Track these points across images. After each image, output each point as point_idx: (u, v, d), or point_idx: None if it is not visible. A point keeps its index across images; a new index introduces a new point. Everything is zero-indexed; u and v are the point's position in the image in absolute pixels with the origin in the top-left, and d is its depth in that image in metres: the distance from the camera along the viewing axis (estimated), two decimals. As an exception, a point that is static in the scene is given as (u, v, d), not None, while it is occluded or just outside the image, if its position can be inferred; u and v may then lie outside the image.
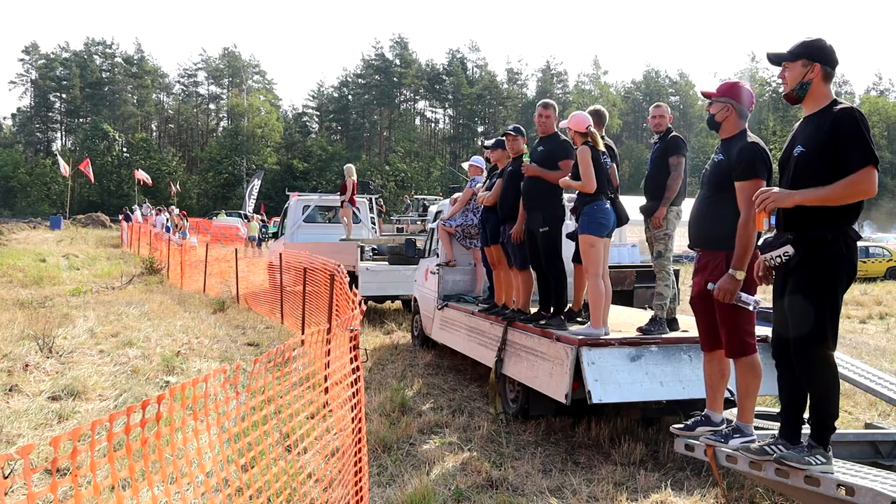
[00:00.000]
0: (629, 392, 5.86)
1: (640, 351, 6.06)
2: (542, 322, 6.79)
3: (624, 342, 6.10)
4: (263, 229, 32.82)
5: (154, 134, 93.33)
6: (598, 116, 7.07)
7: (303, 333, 10.26)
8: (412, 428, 6.77)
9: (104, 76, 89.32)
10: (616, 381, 5.84)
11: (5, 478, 1.59)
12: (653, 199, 6.66)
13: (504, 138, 7.98)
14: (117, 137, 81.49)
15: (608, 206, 6.49)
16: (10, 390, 7.67)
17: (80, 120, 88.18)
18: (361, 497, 4.06)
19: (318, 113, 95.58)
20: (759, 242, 4.41)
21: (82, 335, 10.94)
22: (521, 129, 7.94)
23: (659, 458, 6.06)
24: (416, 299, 11.27)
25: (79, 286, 17.39)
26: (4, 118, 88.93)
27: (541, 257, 7.02)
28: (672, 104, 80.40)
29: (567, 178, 6.56)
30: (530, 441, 6.52)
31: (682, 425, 5.06)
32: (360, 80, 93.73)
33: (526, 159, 7.16)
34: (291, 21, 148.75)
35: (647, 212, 6.69)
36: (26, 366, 8.73)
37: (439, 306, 9.63)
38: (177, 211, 38.50)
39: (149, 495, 2.51)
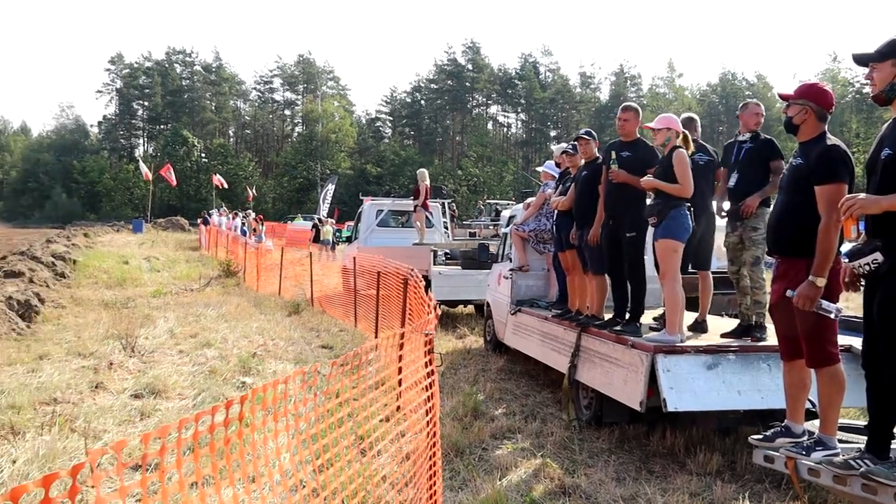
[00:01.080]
0: (705, 401, 5.74)
1: (716, 359, 5.93)
2: (618, 328, 6.71)
3: (700, 350, 5.98)
4: (337, 233, 33.20)
5: (231, 139, 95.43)
6: (690, 122, 6.96)
7: (376, 337, 10.40)
8: (484, 433, 6.76)
9: (184, 84, 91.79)
10: (692, 389, 5.73)
11: (91, 471, 1.64)
12: (733, 202, 6.50)
13: (577, 142, 7.92)
14: (196, 143, 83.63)
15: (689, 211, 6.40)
16: (96, 387, 7.94)
17: (161, 126, 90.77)
18: (435, 501, 4.07)
19: (392, 118, 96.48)
20: (846, 249, 4.27)
21: (163, 335, 11.26)
22: (593, 132, 7.88)
23: (736, 469, 5.91)
24: (488, 304, 11.26)
25: (159, 288, 17.87)
26: (91, 126, 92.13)
27: (623, 263, 6.93)
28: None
29: (651, 178, 6.41)
30: (604, 448, 6.44)
31: (761, 436, 4.93)
32: (432, 85, 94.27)
33: (613, 165, 7.07)
34: (365, 28, 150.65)
35: (734, 215, 6.50)
36: (110, 364, 9.02)
37: (512, 311, 9.60)
38: (253, 215, 39.19)
39: (229, 493, 2.56)
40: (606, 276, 7.32)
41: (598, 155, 7.63)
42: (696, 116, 7.45)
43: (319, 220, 39.15)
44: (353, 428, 3.33)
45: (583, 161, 7.80)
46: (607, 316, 7.22)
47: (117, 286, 18.15)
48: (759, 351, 6.10)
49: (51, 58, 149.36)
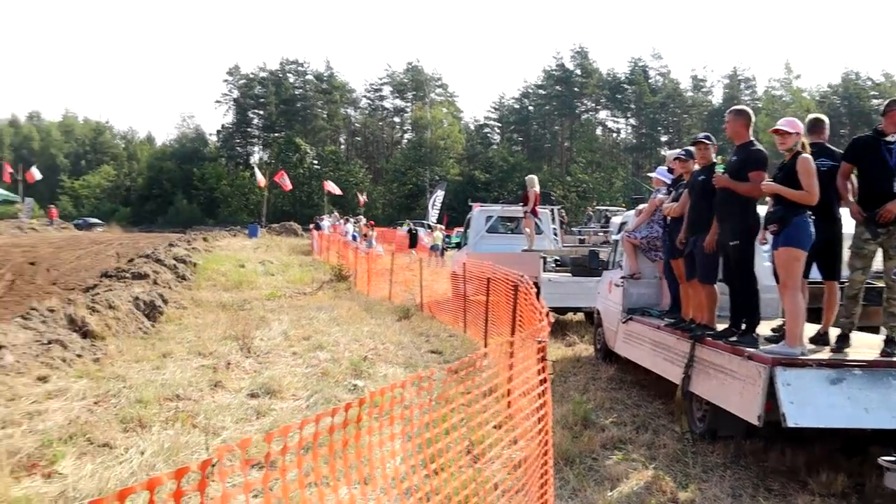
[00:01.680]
0: (829, 417, 5.48)
1: (841, 373, 5.65)
2: (733, 339, 6.51)
3: (823, 363, 5.73)
4: (446, 239, 33.44)
5: (342, 146, 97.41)
6: (818, 123, 6.71)
7: (485, 343, 10.42)
8: (595, 442, 6.67)
9: (297, 93, 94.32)
10: (814, 404, 5.48)
11: (212, 466, 1.71)
12: (875, 207, 6.14)
13: (692, 148, 7.73)
14: (308, 150, 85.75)
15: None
16: (215, 386, 8.24)
17: (276, 134, 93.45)
18: (546, 509, 4.05)
19: (500, 124, 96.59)
20: None
21: (277, 337, 11.58)
22: (712, 137, 7.66)
23: (864, 491, 5.62)
24: (598, 312, 11.12)
25: (274, 291, 18.38)
26: (210, 135, 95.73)
27: (731, 272, 6.73)
28: (873, 108, 75.02)
29: (771, 183, 6.19)
30: (718, 463, 6.26)
31: (892, 458, 4.69)
32: (540, 90, 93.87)
33: (719, 169, 6.88)
34: (472, 35, 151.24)
35: (870, 220, 6.15)
36: (228, 364, 9.35)
37: (623, 319, 9.45)
38: (364, 220, 39.86)
39: (345, 494, 2.61)
40: (717, 285, 7.13)
41: (715, 160, 7.42)
42: (824, 118, 7.09)
43: (428, 225, 39.47)
44: (466, 434, 3.35)
45: (696, 166, 7.61)
46: (720, 326, 7.02)
47: (234, 289, 18.76)
48: (890, 367, 5.78)
49: (174, 71, 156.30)
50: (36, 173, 64.13)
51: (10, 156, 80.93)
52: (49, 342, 9.50)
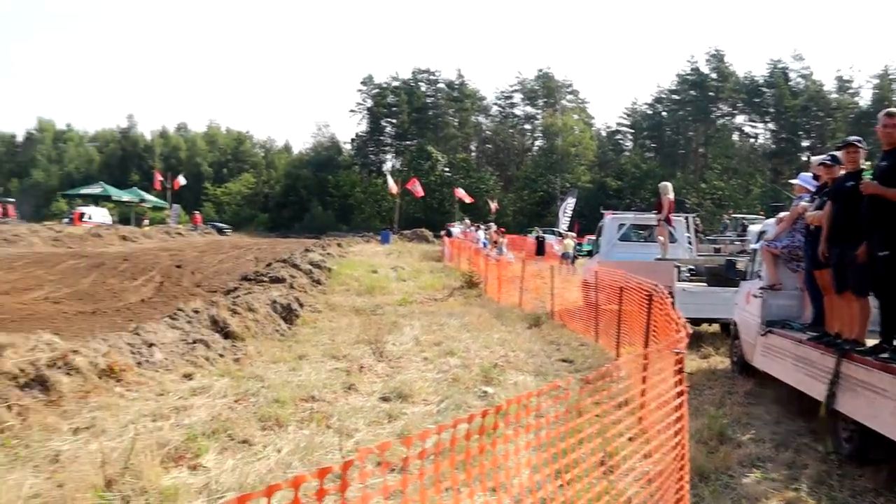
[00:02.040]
0: None
1: None
2: (885, 355, 6.13)
3: None
4: (577, 247, 33.10)
5: (473, 154, 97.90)
6: None
7: (617, 353, 10.25)
8: (731, 459, 6.44)
9: (429, 102, 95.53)
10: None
11: (344, 469, 1.75)
12: None
13: (839, 153, 7.35)
14: (440, 158, 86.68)
15: None
16: (349, 389, 8.44)
17: (408, 142, 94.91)
18: (681, 526, 3.94)
19: (632, 130, 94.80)
20: None
21: (408, 342, 11.75)
22: (862, 140, 7.25)
23: None
24: (736, 323, 10.74)
25: (405, 296, 18.66)
26: (344, 143, 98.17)
27: (883, 285, 6.34)
28: None
29: None
30: (868, 488, 5.90)
31: None
32: (674, 96, 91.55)
33: (867, 176, 6.51)
34: (604, 40, 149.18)
35: None
36: (361, 367, 9.55)
37: (762, 332, 9.09)
38: (494, 227, 39.93)
39: (480, 501, 2.61)
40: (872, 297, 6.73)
41: (863, 166, 7.03)
42: None
43: (559, 233, 39.21)
44: (599, 446, 3.29)
45: (843, 172, 7.22)
46: (870, 342, 6.62)
47: (367, 293, 19.16)
48: None
49: (310, 82, 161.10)
50: (182, 181, 67.69)
51: (160, 165, 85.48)
52: (194, 341, 9.98)
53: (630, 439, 3.72)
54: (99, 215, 54.88)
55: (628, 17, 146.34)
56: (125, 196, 66.10)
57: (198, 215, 67.41)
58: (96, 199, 61.14)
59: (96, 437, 6.14)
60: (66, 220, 52.83)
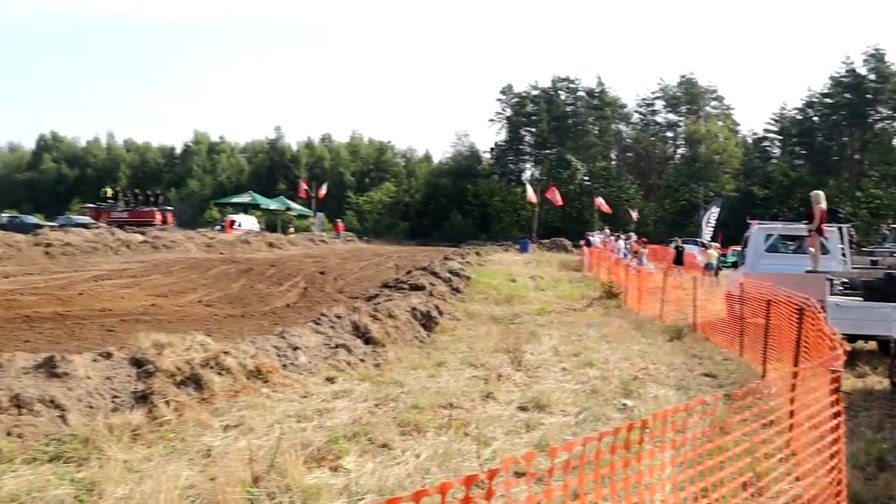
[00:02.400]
0: None
1: None
2: None
3: None
4: (721, 258, 32.07)
5: (613, 162, 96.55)
6: None
7: (763, 369, 9.83)
8: (893, 488, 6.02)
9: (568, 110, 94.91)
10: None
11: (489, 477, 1.75)
12: None
13: None
14: (579, 167, 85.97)
15: None
16: (487, 397, 8.46)
17: (547, 151, 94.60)
18: (835, 555, 3.72)
19: (780, 137, 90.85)
20: None
21: (547, 352, 11.68)
22: None
23: None
24: (895, 341, 10.11)
25: (544, 306, 18.56)
26: (484, 152, 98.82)
27: None
28: None
29: None
30: None
31: None
32: (826, 99, 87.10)
33: None
34: (751, 43, 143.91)
35: None
36: (499, 376, 9.56)
37: (926, 351, 8.52)
38: (634, 237, 39.26)
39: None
40: None
41: None
42: None
43: (702, 243, 38.16)
44: (749, 466, 3.16)
45: None
46: None
47: (505, 302, 19.18)
48: None
49: (450, 92, 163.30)
50: (325, 190, 69.93)
51: (306, 174, 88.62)
52: (336, 346, 10.27)
53: (780, 460, 3.55)
54: (248, 223, 57.35)
55: (777, 18, 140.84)
56: (272, 204, 68.88)
57: (340, 223, 69.40)
58: (246, 208, 63.94)
59: (244, 435, 6.41)
60: (218, 227, 55.49)
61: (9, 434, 5.88)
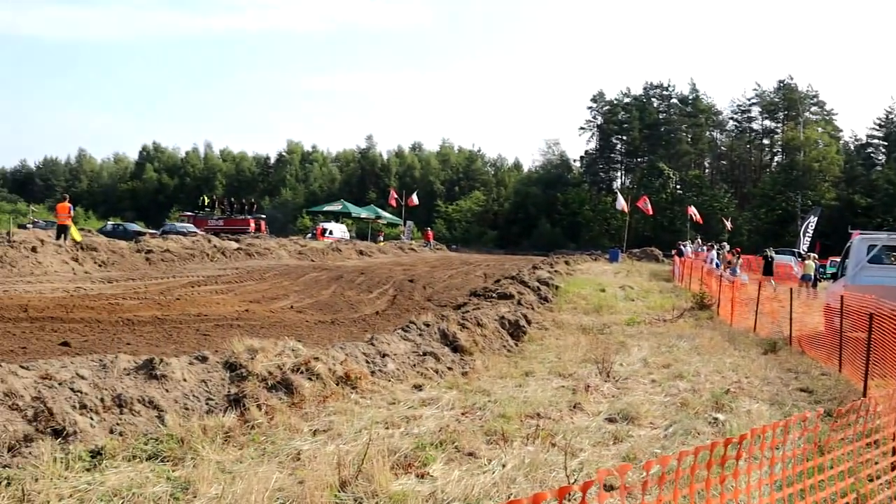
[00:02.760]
0: None
1: None
2: None
3: None
4: (820, 269, 31.04)
5: (706, 171, 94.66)
6: None
7: (865, 385, 9.43)
8: None
9: (660, 117, 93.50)
10: None
11: (583, 489, 1.72)
12: None
13: None
14: (671, 175, 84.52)
15: None
16: (574, 407, 8.36)
17: (638, 159, 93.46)
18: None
19: (886, 143, 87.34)
20: None
21: (636, 363, 11.49)
22: None
23: None
24: None
25: (633, 316, 18.28)
26: (574, 161, 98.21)
27: None
28: None
29: None
30: None
31: None
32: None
33: None
34: (854, 46, 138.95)
35: None
36: (587, 387, 9.43)
37: None
38: (727, 247, 38.37)
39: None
40: None
41: None
42: None
43: (799, 254, 37.08)
44: (851, 487, 3.02)
45: None
46: None
47: (594, 312, 18.96)
48: None
49: (540, 100, 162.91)
50: (416, 199, 70.59)
51: (396, 183, 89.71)
52: (424, 354, 10.32)
53: (887, 483, 3.38)
54: (339, 231, 58.36)
55: (881, 17, 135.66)
56: (363, 213, 69.92)
57: (430, 232, 69.92)
58: (337, 216, 65.09)
59: (333, 440, 6.50)
60: (309, 235, 56.64)
61: (111, 432, 6.12)
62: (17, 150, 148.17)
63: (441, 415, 7.69)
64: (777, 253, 44.68)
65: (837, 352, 11.89)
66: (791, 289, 16.33)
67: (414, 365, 9.86)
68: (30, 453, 5.45)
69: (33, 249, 23.16)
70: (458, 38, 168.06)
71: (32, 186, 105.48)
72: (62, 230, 28.46)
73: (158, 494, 5.04)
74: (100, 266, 25.08)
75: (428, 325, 11.67)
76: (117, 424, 6.22)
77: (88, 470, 5.41)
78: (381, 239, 62.55)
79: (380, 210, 73.37)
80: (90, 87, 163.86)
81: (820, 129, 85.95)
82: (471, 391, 8.95)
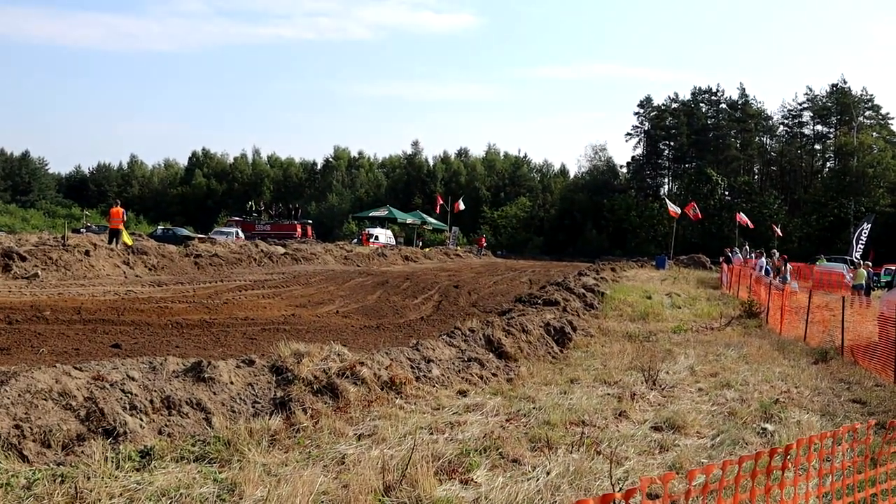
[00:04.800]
0: None
1: None
2: None
3: None
4: (874, 277, 30.39)
5: (756, 177, 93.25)
6: None
7: (920, 396, 9.21)
8: None
9: (709, 123, 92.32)
10: None
11: (625, 497, 1.71)
12: None
13: None
14: (720, 181, 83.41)
15: None
16: (619, 415, 8.29)
17: (686, 165, 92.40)
18: None
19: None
20: None
21: (682, 371, 11.35)
22: None
23: None
24: None
25: (680, 324, 18.07)
26: (620, 167, 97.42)
27: None
28: None
29: None
30: None
31: None
32: None
33: None
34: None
35: None
36: (633, 395, 9.35)
37: None
38: (777, 254, 37.78)
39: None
40: None
41: None
42: None
43: (851, 262, 36.43)
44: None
45: None
46: None
47: (640, 320, 18.79)
48: None
49: (587, 105, 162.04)
50: (462, 204, 70.66)
51: (442, 189, 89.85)
52: (469, 360, 10.32)
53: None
54: (384, 236, 58.67)
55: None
56: (409, 218, 70.18)
57: (482, 238, 69.90)
58: (383, 222, 65.42)
59: (377, 445, 6.53)
60: (355, 240, 57.03)
61: (160, 433, 6.23)
62: (73, 157, 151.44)
63: (485, 421, 7.68)
64: (828, 260, 43.93)
65: (892, 362, 11.64)
66: (843, 297, 16.00)
67: (459, 371, 9.87)
68: (82, 452, 5.57)
69: (86, 253, 23.65)
70: (504, 44, 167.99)
71: (86, 192, 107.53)
72: (114, 234, 29.06)
73: (205, 495, 5.11)
74: (150, 270, 25.54)
75: (473, 331, 11.67)
76: (166, 426, 6.33)
77: (138, 470, 5.52)
78: (421, 244, 62.62)
79: (425, 216, 73.58)
80: (143, 95, 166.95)
81: (874, 134, 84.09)
82: (515, 398, 8.93)
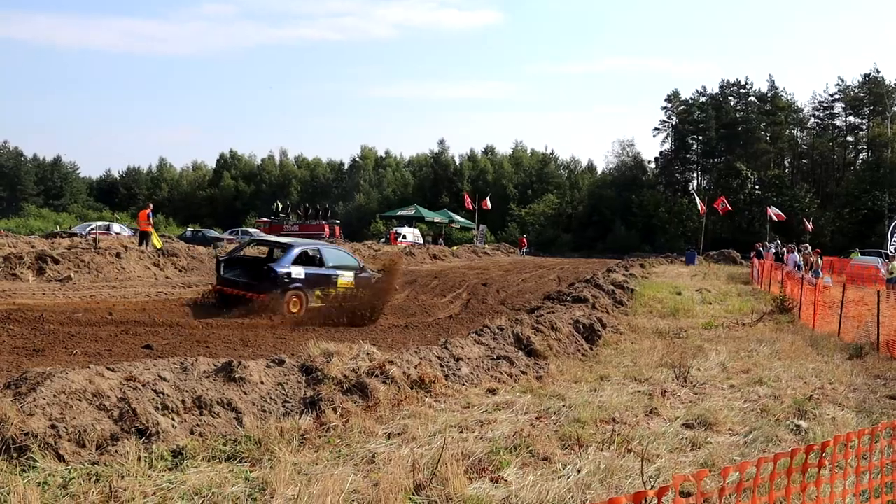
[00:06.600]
0: None
1: None
2: None
3: None
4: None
5: (787, 170, 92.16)
6: None
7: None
8: None
9: (738, 116, 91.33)
10: None
11: (658, 495, 1.69)
12: None
13: None
14: (750, 175, 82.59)
15: None
16: (650, 412, 8.24)
17: (715, 160, 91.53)
18: None
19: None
20: None
21: (714, 368, 11.25)
22: None
23: None
24: None
25: (711, 320, 17.93)
26: (649, 162, 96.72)
27: None
28: None
29: None
30: None
31: None
32: None
33: None
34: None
35: None
36: (663, 392, 9.29)
37: None
38: (809, 249, 37.37)
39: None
40: None
41: None
42: None
43: (886, 255, 35.95)
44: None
45: None
46: None
47: (670, 316, 18.66)
48: None
49: (613, 101, 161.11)
50: (489, 202, 70.59)
51: (469, 187, 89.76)
52: (498, 358, 10.30)
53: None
54: (412, 235, 58.72)
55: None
56: (436, 217, 70.19)
57: (524, 238, 69.79)
58: (410, 220, 65.46)
59: (407, 443, 6.54)
60: (382, 239, 57.12)
61: (192, 433, 6.28)
62: (103, 160, 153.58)
63: (515, 419, 7.67)
64: (862, 254, 43.36)
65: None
66: (878, 292, 15.77)
67: (488, 369, 9.85)
68: (116, 451, 5.64)
69: (117, 256, 23.90)
70: (529, 41, 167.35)
71: (116, 195, 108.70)
72: (144, 237, 29.35)
73: (237, 494, 5.15)
74: (180, 271, 25.74)
75: (502, 329, 11.65)
76: (197, 425, 6.38)
77: (170, 469, 5.57)
78: (441, 242, 62.49)
79: (453, 214, 73.55)
80: (170, 99, 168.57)
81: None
82: (545, 395, 8.90)
